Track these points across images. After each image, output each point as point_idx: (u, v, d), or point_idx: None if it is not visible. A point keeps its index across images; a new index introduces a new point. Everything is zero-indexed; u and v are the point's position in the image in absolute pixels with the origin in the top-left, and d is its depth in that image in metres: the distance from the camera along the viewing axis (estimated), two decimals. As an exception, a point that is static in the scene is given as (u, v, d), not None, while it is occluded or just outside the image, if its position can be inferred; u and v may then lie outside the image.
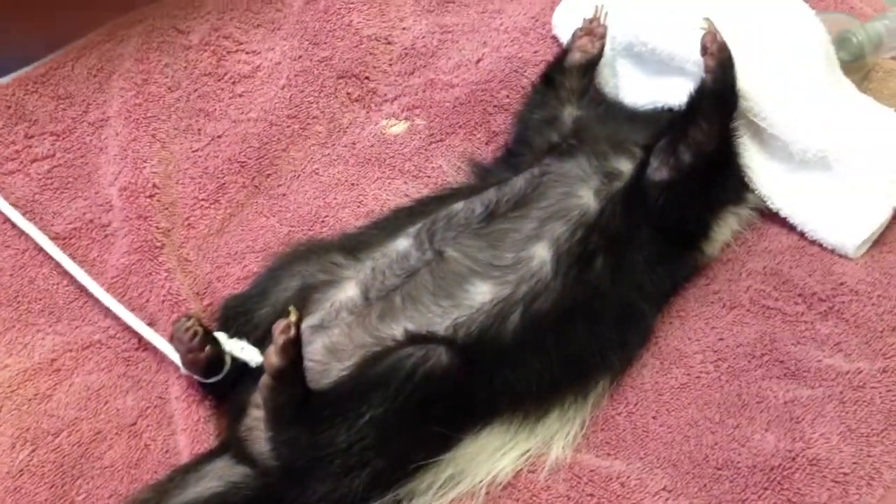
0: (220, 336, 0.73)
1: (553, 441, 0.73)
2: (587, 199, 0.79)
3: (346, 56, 0.97)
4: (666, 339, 0.79)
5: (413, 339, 0.71)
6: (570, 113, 0.91)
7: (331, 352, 0.73)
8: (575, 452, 0.72)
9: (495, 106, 0.96)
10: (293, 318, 0.67)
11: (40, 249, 0.83)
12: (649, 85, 0.92)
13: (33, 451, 0.72)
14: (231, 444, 0.72)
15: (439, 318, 0.73)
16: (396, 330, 0.72)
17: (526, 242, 0.77)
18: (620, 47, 0.93)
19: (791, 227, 0.86)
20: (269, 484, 0.69)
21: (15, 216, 0.85)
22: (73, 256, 0.83)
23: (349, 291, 0.76)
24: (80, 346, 0.78)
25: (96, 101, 0.94)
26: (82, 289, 0.81)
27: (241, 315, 0.76)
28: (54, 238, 0.84)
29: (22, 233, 0.84)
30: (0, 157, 0.90)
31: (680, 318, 0.80)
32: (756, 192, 0.86)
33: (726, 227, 0.85)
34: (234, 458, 0.71)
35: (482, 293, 0.74)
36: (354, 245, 0.79)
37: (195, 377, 0.73)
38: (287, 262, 0.79)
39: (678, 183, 0.80)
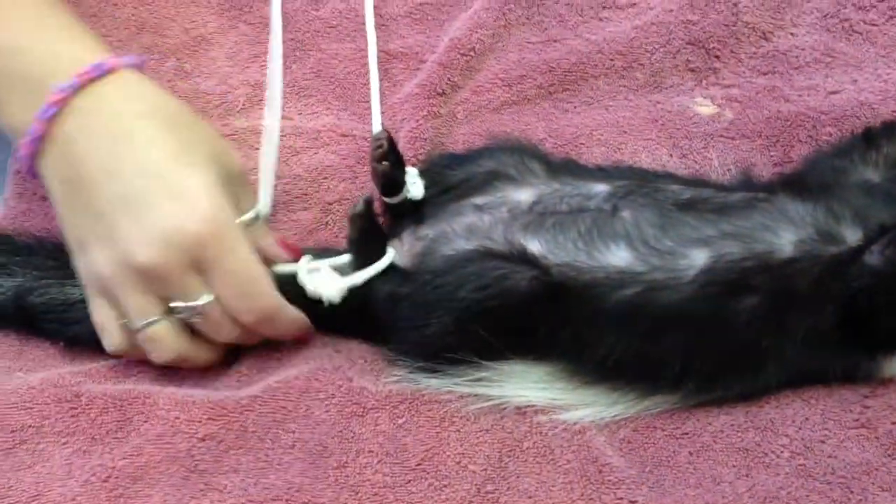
0: (410, 170, 0.83)
1: (583, 408, 0.73)
2: (784, 242, 0.75)
3: (712, 29, 0.98)
4: (772, 407, 0.74)
5: (519, 256, 0.75)
6: (863, 175, 0.84)
7: (470, 230, 0.79)
8: (590, 428, 0.72)
9: (811, 136, 0.91)
10: (359, 208, 0.77)
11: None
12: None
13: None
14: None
15: (563, 253, 0.76)
16: (524, 242, 0.77)
17: (692, 242, 0.76)
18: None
19: None
20: None
21: (370, 21, 1.01)
22: (385, 73, 0.99)
23: (523, 195, 0.81)
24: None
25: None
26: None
27: (437, 168, 0.85)
28: (382, 51, 0.99)
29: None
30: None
31: (804, 402, 0.74)
32: None
33: (928, 361, 0.76)
34: None
35: (618, 258, 0.75)
36: (560, 167, 0.84)
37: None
38: (498, 147, 0.86)
39: (886, 278, 0.73)
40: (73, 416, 0.72)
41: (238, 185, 0.77)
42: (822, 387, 0.75)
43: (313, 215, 0.91)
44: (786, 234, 0.76)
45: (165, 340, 0.73)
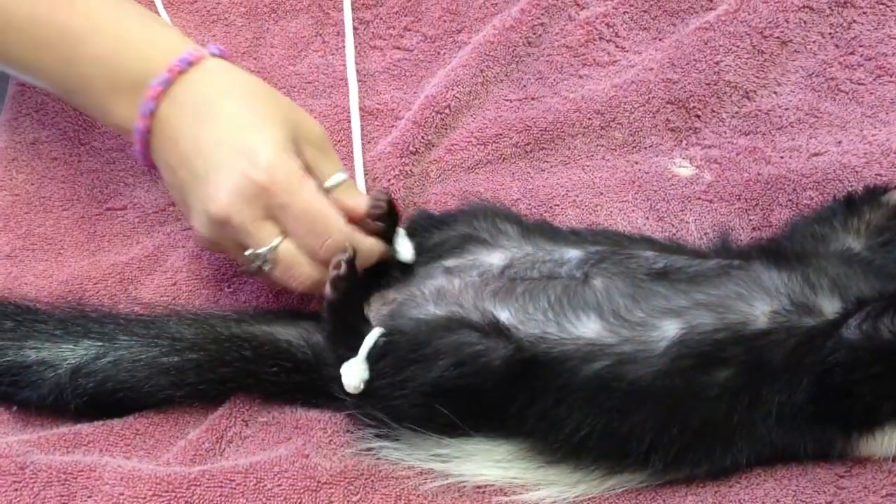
0: (401, 231, 0.81)
1: (545, 487, 0.71)
2: (758, 313, 0.73)
3: (693, 88, 0.96)
4: (741, 487, 0.71)
5: (491, 328, 0.73)
6: (844, 242, 0.82)
7: (439, 294, 0.77)
8: (550, 509, 0.70)
9: (791, 200, 0.89)
10: (346, 255, 0.74)
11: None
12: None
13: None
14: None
15: (534, 323, 0.73)
16: (495, 311, 0.74)
17: (664, 313, 0.73)
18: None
19: None
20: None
21: (352, 80, 1.00)
22: (363, 129, 0.97)
23: (495, 259, 0.79)
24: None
25: (471, 22, 1.03)
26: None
27: (418, 228, 0.83)
28: (363, 108, 0.98)
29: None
30: (377, 34, 1.04)
31: (776, 482, 0.71)
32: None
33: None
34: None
35: (589, 329, 0.73)
36: (533, 231, 0.81)
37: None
38: (472, 210, 0.84)
39: (862, 353, 0.71)
40: (16, 489, 0.69)
41: (318, 149, 0.80)
42: (795, 465, 0.73)
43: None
44: (760, 304, 0.73)
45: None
